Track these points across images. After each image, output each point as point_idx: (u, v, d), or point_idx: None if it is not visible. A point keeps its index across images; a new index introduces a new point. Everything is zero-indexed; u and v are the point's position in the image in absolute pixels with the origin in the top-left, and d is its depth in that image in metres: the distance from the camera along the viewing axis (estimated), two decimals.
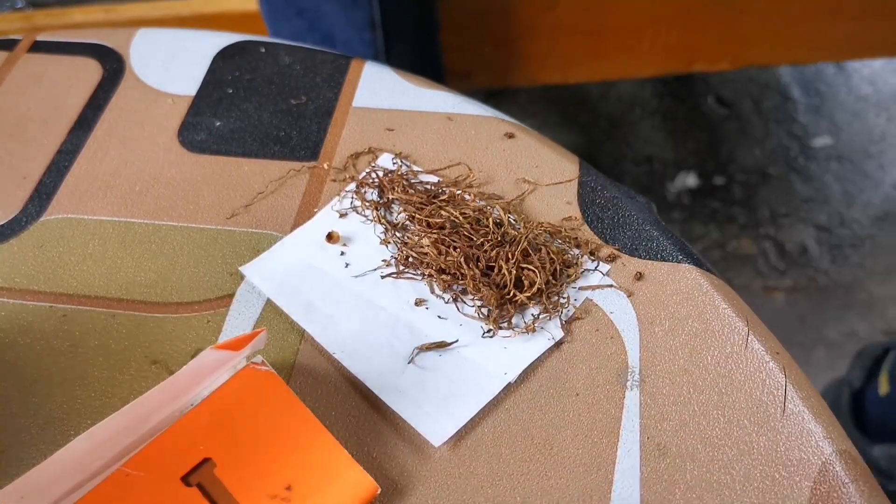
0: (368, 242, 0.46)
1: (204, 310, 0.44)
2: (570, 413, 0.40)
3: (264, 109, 0.54)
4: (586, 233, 0.46)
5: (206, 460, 0.36)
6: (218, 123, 0.53)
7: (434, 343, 0.42)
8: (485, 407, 0.40)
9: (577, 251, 0.45)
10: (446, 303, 0.44)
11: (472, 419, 0.40)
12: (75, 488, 0.35)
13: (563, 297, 0.43)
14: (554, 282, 0.44)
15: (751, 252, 1.43)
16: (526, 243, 0.44)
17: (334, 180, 0.50)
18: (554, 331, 0.42)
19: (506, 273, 0.43)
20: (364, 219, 0.47)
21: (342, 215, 0.48)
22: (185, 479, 0.35)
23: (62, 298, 0.45)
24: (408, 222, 0.46)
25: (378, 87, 0.55)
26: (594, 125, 1.60)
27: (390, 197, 0.48)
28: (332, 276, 0.45)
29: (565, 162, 0.50)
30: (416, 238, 0.45)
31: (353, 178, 0.49)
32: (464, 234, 0.45)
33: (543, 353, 0.41)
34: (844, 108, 1.60)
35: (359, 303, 0.44)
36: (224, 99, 0.55)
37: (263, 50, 0.58)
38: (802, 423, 0.38)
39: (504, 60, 1.32)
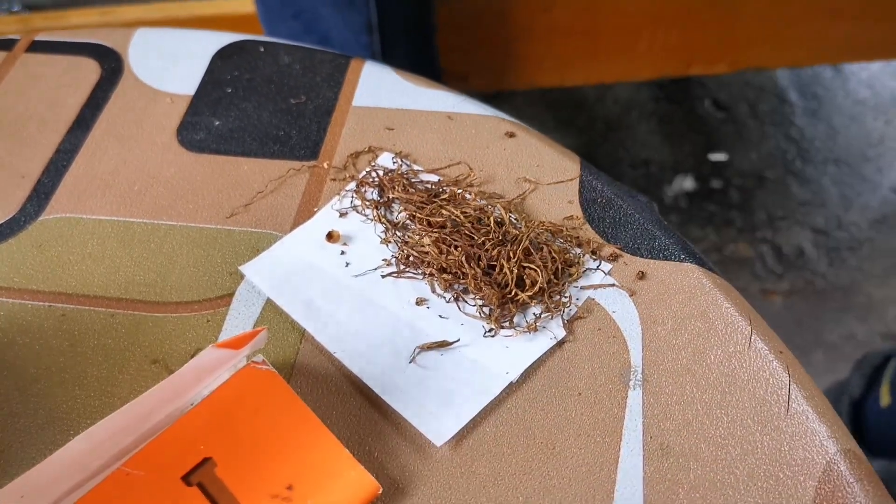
0: (369, 242, 0.46)
1: (204, 309, 0.44)
2: (572, 412, 0.39)
3: (263, 109, 0.54)
4: (588, 232, 0.46)
5: (206, 460, 0.35)
6: (217, 123, 0.53)
7: (435, 342, 0.42)
8: (486, 406, 0.40)
9: (578, 250, 0.45)
10: (447, 302, 0.43)
11: (473, 419, 0.39)
12: (75, 488, 0.35)
13: (565, 297, 0.43)
14: (556, 281, 0.43)
15: (748, 255, 1.43)
16: (527, 242, 0.44)
17: (334, 179, 0.50)
18: (556, 330, 0.42)
19: (507, 272, 0.43)
20: (364, 218, 0.47)
21: (342, 214, 0.48)
22: (186, 479, 0.35)
23: (61, 298, 0.45)
24: (408, 221, 0.46)
25: (378, 87, 0.55)
26: (591, 128, 1.60)
27: (390, 196, 0.47)
28: (333, 275, 0.45)
29: (566, 161, 0.49)
30: (417, 237, 0.45)
31: (353, 178, 0.49)
32: (465, 234, 0.44)
33: (545, 353, 0.41)
34: (842, 112, 1.61)
35: (359, 302, 0.44)
36: (223, 98, 0.55)
37: (262, 49, 0.58)
38: (806, 423, 0.38)
39: (501, 63, 1.32)
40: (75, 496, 0.34)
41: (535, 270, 0.43)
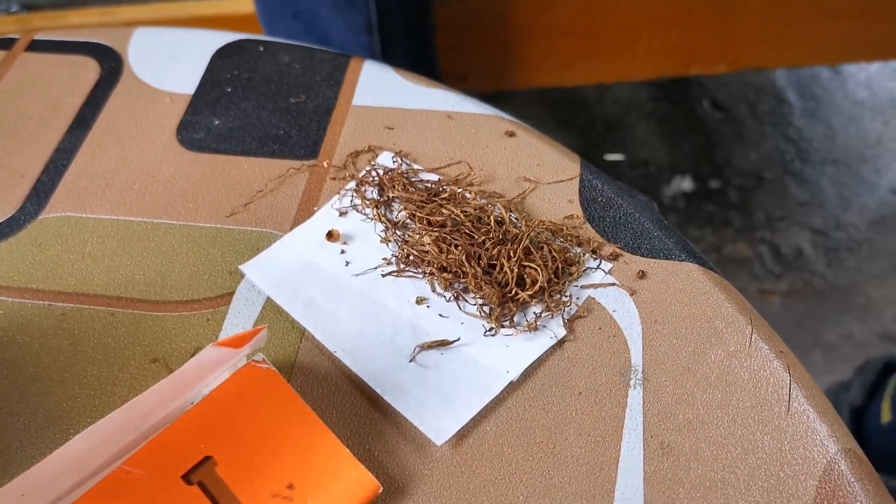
0: (369, 241, 0.46)
1: (203, 308, 0.44)
2: (572, 412, 0.39)
3: (263, 108, 0.54)
4: (588, 231, 0.46)
5: (207, 458, 0.35)
6: (217, 122, 0.53)
7: (436, 341, 0.42)
8: (487, 405, 0.40)
9: (578, 249, 0.45)
10: (448, 301, 0.43)
11: (474, 418, 0.39)
12: (75, 486, 0.35)
13: (566, 296, 0.43)
14: (556, 280, 0.43)
15: (746, 255, 1.43)
16: (528, 241, 0.44)
17: (334, 179, 0.50)
18: (556, 329, 0.42)
19: (507, 271, 0.43)
20: (364, 217, 0.47)
21: (342, 214, 0.48)
22: (186, 478, 0.35)
23: (61, 297, 0.45)
24: (408, 220, 0.46)
25: (377, 86, 0.55)
26: (590, 128, 1.60)
27: (390, 195, 0.47)
28: (333, 274, 0.45)
29: (566, 160, 0.49)
30: (417, 236, 0.45)
31: (352, 177, 0.49)
32: (465, 233, 0.44)
33: (546, 352, 0.41)
34: (840, 112, 1.61)
35: (360, 301, 0.44)
36: (223, 97, 0.55)
37: (262, 49, 0.58)
38: (807, 422, 0.38)
39: (501, 63, 1.32)
40: (75, 495, 0.34)
41: (536, 269, 0.43)
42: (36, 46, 0.59)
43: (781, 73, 1.66)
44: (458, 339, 0.42)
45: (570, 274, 0.44)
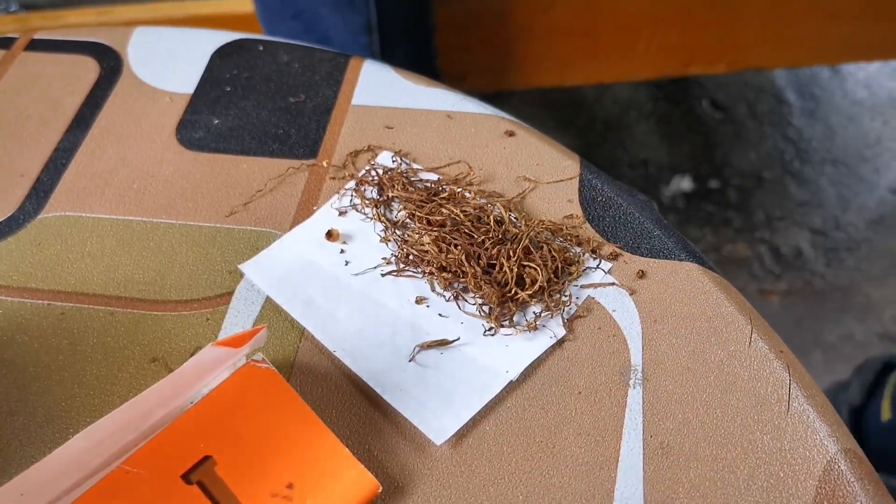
0: (368, 240, 0.46)
1: (203, 308, 0.44)
2: (572, 411, 0.39)
3: (263, 107, 0.54)
4: (588, 231, 0.46)
5: (206, 458, 0.35)
6: (216, 121, 0.53)
7: (435, 341, 0.42)
8: (486, 405, 0.40)
9: (578, 249, 0.45)
10: (447, 301, 0.43)
11: (473, 417, 0.39)
12: (75, 486, 0.35)
13: (565, 295, 0.43)
14: (555, 280, 0.43)
15: (746, 255, 1.43)
16: (527, 241, 0.44)
17: (333, 178, 0.49)
18: (556, 329, 0.42)
19: (507, 271, 0.43)
20: (364, 217, 0.47)
21: (342, 213, 0.47)
22: (186, 477, 0.35)
23: (60, 296, 0.45)
24: (408, 220, 0.46)
25: (377, 85, 0.55)
26: (590, 128, 1.60)
27: (390, 195, 0.47)
28: (332, 273, 0.45)
29: (566, 160, 0.49)
30: (417, 236, 0.45)
31: (352, 176, 0.49)
32: (464, 232, 0.44)
33: (545, 352, 0.41)
34: (840, 112, 1.61)
35: (359, 300, 0.44)
36: (222, 97, 0.55)
37: (261, 48, 0.58)
38: (807, 422, 0.38)
39: (500, 63, 1.32)
40: (75, 494, 0.34)
41: (535, 269, 0.43)
42: (35, 46, 0.59)
43: (781, 73, 1.66)
44: (458, 339, 0.42)
45: (570, 273, 0.44)
